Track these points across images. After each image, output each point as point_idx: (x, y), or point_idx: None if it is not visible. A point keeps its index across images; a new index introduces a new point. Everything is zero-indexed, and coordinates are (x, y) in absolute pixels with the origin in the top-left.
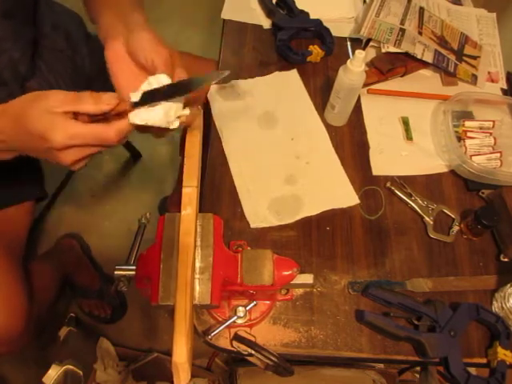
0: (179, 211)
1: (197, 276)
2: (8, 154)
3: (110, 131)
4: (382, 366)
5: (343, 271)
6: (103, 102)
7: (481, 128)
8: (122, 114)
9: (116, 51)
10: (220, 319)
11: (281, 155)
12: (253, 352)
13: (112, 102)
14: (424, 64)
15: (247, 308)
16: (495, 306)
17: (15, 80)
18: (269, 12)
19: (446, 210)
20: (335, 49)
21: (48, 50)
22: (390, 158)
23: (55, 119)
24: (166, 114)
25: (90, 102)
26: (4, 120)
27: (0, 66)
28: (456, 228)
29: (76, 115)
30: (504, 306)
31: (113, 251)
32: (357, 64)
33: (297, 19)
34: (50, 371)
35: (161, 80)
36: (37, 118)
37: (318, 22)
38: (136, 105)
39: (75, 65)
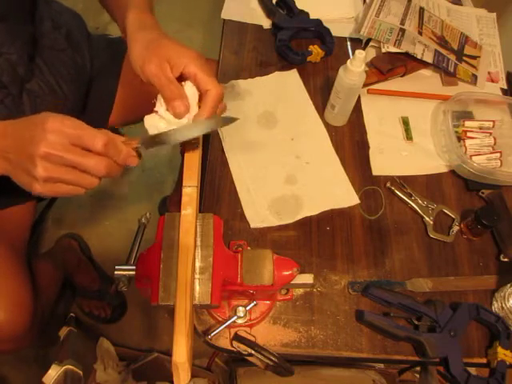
0: (179, 211)
1: (197, 276)
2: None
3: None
4: (382, 365)
5: (343, 271)
6: (117, 149)
7: (481, 128)
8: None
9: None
10: (220, 319)
11: (281, 155)
12: (253, 352)
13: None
14: (424, 64)
15: (247, 308)
16: (495, 306)
17: (14, 82)
18: (269, 12)
19: (446, 210)
20: (335, 49)
21: (48, 49)
22: (390, 158)
23: (50, 132)
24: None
25: (102, 142)
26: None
27: None
28: (456, 228)
29: None
30: (504, 305)
31: (113, 251)
32: (357, 64)
33: (297, 19)
34: (50, 371)
35: (188, 85)
36: (32, 127)
37: (318, 22)
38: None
39: (76, 64)
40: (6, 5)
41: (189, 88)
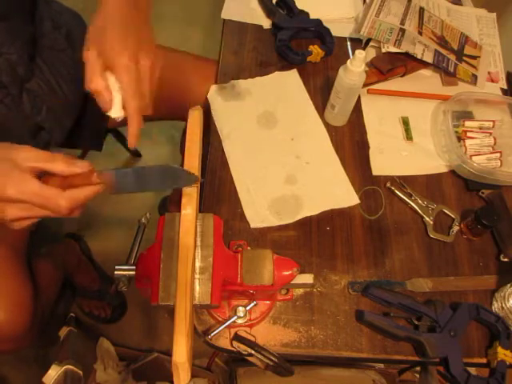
0: (179, 211)
1: (197, 276)
2: None
3: (61, 197)
4: (382, 365)
5: (343, 271)
6: (76, 165)
7: (481, 128)
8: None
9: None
10: (220, 319)
11: (281, 155)
12: (253, 352)
13: (84, 167)
14: (424, 64)
15: (247, 308)
16: (495, 306)
17: (14, 82)
18: (269, 12)
19: (446, 210)
20: (335, 49)
21: (48, 49)
22: (390, 158)
23: (14, 171)
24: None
25: (63, 162)
26: None
27: None
28: (456, 228)
29: (45, 176)
30: (504, 305)
31: (113, 251)
32: (357, 64)
33: (297, 19)
34: (50, 371)
35: (113, 81)
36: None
37: (318, 22)
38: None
39: (76, 64)
40: (6, 5)
41: (113, 81)
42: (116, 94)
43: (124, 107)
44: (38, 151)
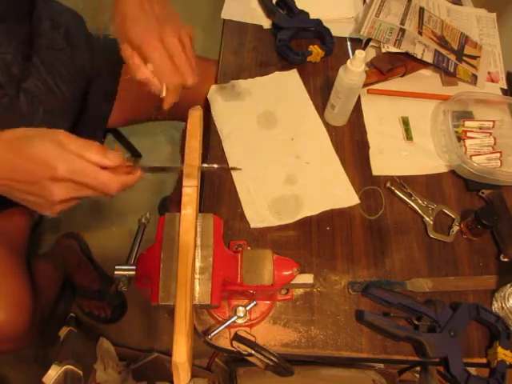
0: (179, 211)
1: (197, 276)
2: None
3: (114, 182)
4: (382, 365)
5: (343, 271)
6: (108, 158)
7: (481, 128)
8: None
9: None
10: (220, 319)
11: (281, 155)
12: (253, 352)
13: (116, 161)
14: (424, 64)
15: (247, 308)
16: (495, 306)
17: (10, 82)
18: (269, 12)
19: (446, 210)
20: (335, 49)
21: (46, 49)
22: (390, 158)
23: (64, 152)
24: None
25: (96, 153)
26: None
27: None
28: (456, 228)
29: None
30: (504, 305)
31: (113, 251)
32: (357, 64)
33: (297, 19)
34: (50, 371)
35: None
36: (44, 146)
37: (318, 22)
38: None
39: (75, 64)
40: (5, 5)
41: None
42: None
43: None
44: (74, 137)
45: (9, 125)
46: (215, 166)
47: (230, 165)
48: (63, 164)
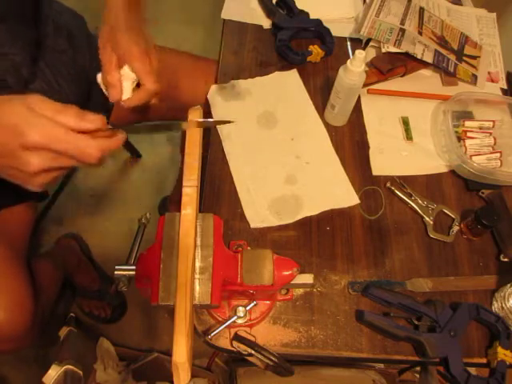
0: (179, 211)
1: (197, 276)
2: None
3: (93, 147)
4: (382, 365)
5: (343, 271)
6: (86, 120)
7: (481, 128)
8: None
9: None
10: (220, 319)
11: (281, 155)
12: (253, 352)
13: (95, 123)
14: (424, 64)
15: (247, 308)
16: (495, 306)
17: (18, 83)
18: (269, 12)
19: (446, 210)
20: (335, 49)
21: (50, 51)
22: (390, 158)
23: (37, 117)
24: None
25: (73, 116)
26: None
27: (2, 70)
28: (456, 228)
29: None
30: (504, 305)
31: (113, 251)
32: (357, 64)
33: (297, 19)
34: (50, 371)
35: (126, 71)
36: (15, 111)
37: (318, 22)
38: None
39: (76, 65)
40: (5, 5)
41: (127, 71)
42: (126, 83)
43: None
44: (50, 101)
45: None
46: (210, 120)
47: (231, 165)
48: (33, 129)
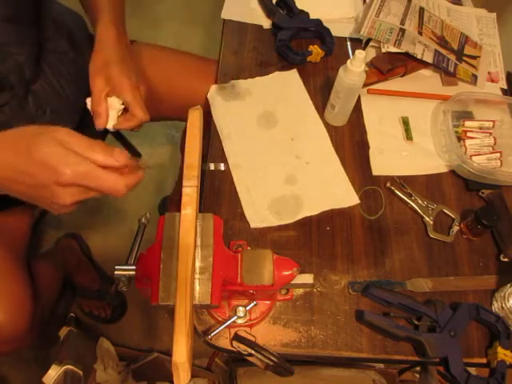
0: (179, 211)
1: (197, 276)
2: None
3: (121, 184)
4: (382, 365)
5: (343, 271)
6: (114, 157)
7: (481, 128)
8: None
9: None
10: (220, 319)
11: (281, 155)
12: (253, 352)
13: (122, 161)
14: (424, 64)
15: (247, 308)
16: (495, 306)
17: (21, 83)
18: (269, 12)
19: (446, 210)
20: (335, 49)
21: (51, 52)
22: (390, 158)
23: (69, 154)
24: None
25: (101, 153)
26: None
27: (6, 69)
28: (456, 228)
29: None
30: (504, 305)
31: (113, 251)
32: (357, 64)
33: (297, 19)
34: (50, 371)
35: (114, 101)
36: (49, 148)
37: (318, 22)
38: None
39: (77, 66)
40: (15, 7)
41: (114, 101)
42: (112, 112)
43: (130, 116)
44: (77, 135)
45: (16, 126)
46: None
47: (231, 165)
48: (67, 168)
